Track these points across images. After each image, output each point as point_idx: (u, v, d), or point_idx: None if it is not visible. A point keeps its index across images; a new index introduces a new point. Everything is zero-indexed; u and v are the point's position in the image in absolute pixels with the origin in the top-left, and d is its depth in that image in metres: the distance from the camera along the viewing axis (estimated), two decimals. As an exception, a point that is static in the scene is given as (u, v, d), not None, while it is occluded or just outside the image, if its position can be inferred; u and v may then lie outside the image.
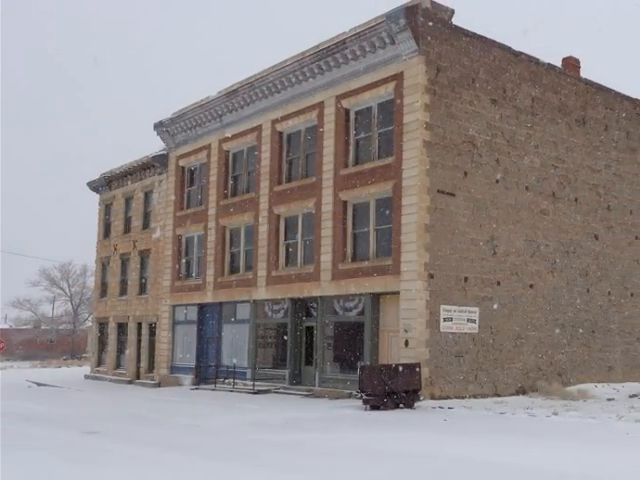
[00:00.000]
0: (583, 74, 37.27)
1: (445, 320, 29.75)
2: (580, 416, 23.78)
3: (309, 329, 35.21)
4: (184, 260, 44.75)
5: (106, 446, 17.21)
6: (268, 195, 37.53)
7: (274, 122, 37.69)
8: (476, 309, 31.00)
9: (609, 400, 30.34)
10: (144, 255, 49.07)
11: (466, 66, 31.53)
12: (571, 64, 37.16)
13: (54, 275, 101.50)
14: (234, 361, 38.75)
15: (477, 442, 17.93)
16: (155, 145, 51.07)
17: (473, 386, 30.47)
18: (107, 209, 54.96)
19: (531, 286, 33.17)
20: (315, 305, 34.68)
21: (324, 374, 33.56)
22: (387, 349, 30.87)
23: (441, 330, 29.63)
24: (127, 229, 51.79)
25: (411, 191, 29.69)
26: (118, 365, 51.39)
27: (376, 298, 31.43)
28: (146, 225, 49.32)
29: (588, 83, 36.91)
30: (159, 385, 43.89)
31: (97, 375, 52.71)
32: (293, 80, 35.94)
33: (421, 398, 27.52)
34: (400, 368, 26.85)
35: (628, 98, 39.08)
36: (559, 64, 36.47)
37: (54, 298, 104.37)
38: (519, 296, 32.64)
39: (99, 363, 54.27)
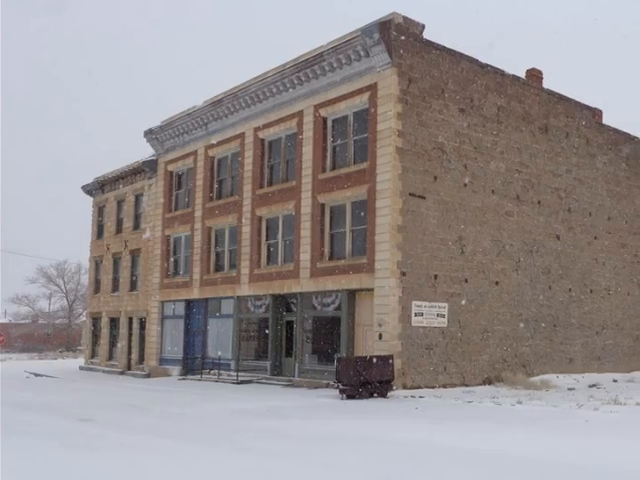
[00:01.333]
0: (545, 85, 37.37)
1: (416, 315, 29.75)
2: (543, 405, 23.82)
3: (289, 323, 35.15)
4: (172, 259, 44.58)
5: (100, 432, 17.06)
6: (251, 198, 37.42)
7: (256, 130, 37.58)
8: (445, 305, 31.02)
9: (570, 390, 30.41)
10: (135, 254, 48.89)
11: (436, 77, 31.52)
12: (534, 75, 37.22)
13: (51, 273, 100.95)
14: (219, 353, 38.67)
15: (446, 429, 17.92)
16: (145, 151, 51.12)
17: (442, 376, 30.49)
18: (100, 211, 54.68)
19: (497, 283, 33.23)
20: (295, 301, 34.61)
21: (303, 365, 33.50)
22: (362, 342, 30.84)
23: (412, 324, 29.63)
24: (119, 230, 51.56)
25: (384, 194, 29.67)
26: (110, 357, 51.20)
27: (352, 294, 31.39)
28: (137, 226, 49.12)
29: (550, 93, 37.01)
30: (149, 376, 43.68)
31: (91, 366, 52.40)
32: (274, 90, 35.83)
33: (394, 388, 27.52)
34: (374, 360, 26.83)
35: (587, 107, 39.21)
36: (523, 75, 36.53)
37: (50, 294, 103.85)
38: (485, 292, 32.69)
39: (93, 355, 54.01)
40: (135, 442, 15.57)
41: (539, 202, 35.71)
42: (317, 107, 33.70)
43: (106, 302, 52.16)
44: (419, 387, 29.17)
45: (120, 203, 51.68)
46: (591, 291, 38.56)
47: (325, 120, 33.52)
